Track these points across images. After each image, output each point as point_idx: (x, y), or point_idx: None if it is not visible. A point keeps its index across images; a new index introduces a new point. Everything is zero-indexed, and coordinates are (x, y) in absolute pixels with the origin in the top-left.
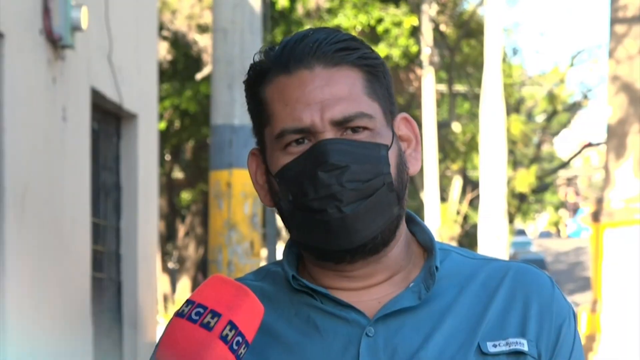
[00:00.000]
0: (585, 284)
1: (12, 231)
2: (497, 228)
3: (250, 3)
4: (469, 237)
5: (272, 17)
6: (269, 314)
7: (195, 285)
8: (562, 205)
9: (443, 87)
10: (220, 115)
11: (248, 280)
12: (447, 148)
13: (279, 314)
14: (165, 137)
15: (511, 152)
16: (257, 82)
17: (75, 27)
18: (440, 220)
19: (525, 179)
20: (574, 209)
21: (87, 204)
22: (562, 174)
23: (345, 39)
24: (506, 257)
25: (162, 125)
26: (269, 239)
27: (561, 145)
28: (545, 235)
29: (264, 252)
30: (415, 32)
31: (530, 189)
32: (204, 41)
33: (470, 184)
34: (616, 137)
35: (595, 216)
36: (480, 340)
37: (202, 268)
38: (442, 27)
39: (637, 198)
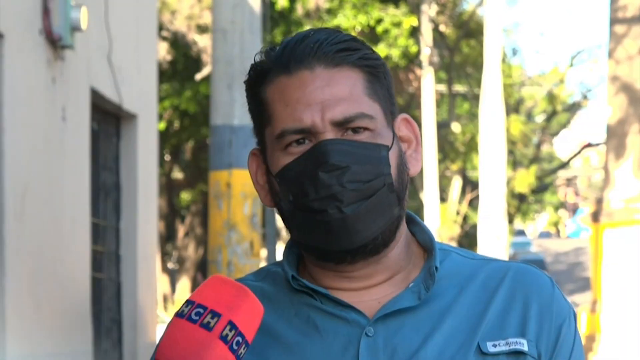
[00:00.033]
0: (585, 284)
1: (12, 231)
2: (496, 228)
3: (250, 3)
4: (468, 238)
5: (272, 17)
6: (269, 314)
7: (195, 285)
8: (561, 205)
9: (443, 88)
10: (220, 115)
11: (248, 280)
12: (447, 148)
13: (279, 314)
14: (165, 137)
15: (511, 152)
16: (258, 82)
17: (75, 27)
18: (439, 220)
19: (525, 179)
20: (574, 209)
21: (86, 204)
22: (562, 174)
23: (346, 40)
24: (506, 258)
25: (162, 125)
26: (268, 239)
27: (561, 146)
28: (544, 235)
29: (263, 253)
30: (414, 32)
31: (529, 189)
32: (203, 41)
33: (470, 184)
34: (616, 137)
35: (595, 216)
36: (480, 340)
37: (202, 268)
38: (442, 28)
39: (636, 198)
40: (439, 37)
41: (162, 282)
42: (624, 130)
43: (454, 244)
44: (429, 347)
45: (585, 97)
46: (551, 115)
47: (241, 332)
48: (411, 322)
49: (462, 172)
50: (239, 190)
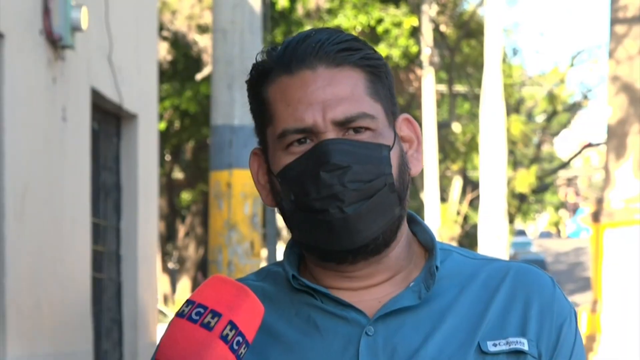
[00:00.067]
0: (585, 284)
1: (12, 231)
2: (497, 228)
3: (250, 3)
4: (469, 238)
5: (272, 17)
6: (270, 313)
7: (195, 285)
8: (562, 205)
9: (443, 88)
10: (220, 115)
11: (249, 280)
12: (447, 148)
13: (279, 314)
14: (165, 137)
15: (511, 152)
16: (260, 82)
17: (75, 28)
18: (440, 220)
19: (525, 179)
20: (574, 209)
21: (87, 204)
22: (562, 174)
23: (348, 40)
24: (506, 258)
25: (162, 125)
26: (269, 239)
27: (561, 146)
28: (545, 235)
29: (264, 253)
30: (415, 32)
31: (530, 189)
32: (203, 41)
33: (470, 184)
34: (616, 137)
35: (596, 216)
36: (480, 340)
37: (202, 268)
38: (442, 28)
39: (637, 198)
40: (439, 37)
41: (163, 282)
42: (624, 131)
43: (454, 244)
44: (429, 346)
45: (585, 97)
46: (551, 115)
47: (241, 332)
48: (411, 321)
49: (463, 172)
50: (239, 190)
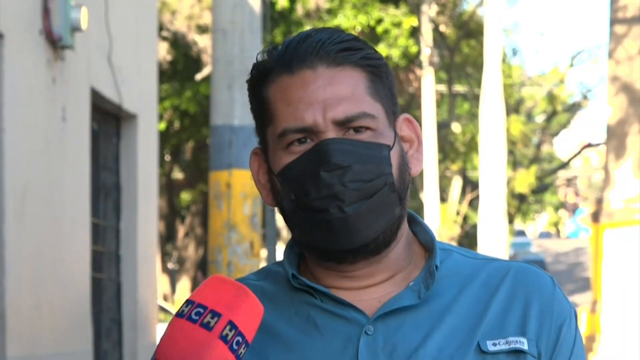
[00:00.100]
0: (585, 285)
1: (12, 231)
2: (496, 229)
3: (250, 3)
4: (468, 238)
5: (272, 17)
6: (270, 313)
7: (195, 284)
8: (561, 205)
9: (443, 88)
10: (220, 115)
11: (249, 280)
12: (447, 148)
13: (279, 313)
14: (165, 137)
15: (511, 152)
16: (260, 81)
17: (75, 28)
18: (440, 220)
19: (525, 180)
20: (574, 210)
21: (87, 204)
22: (562, 175)
23: (349, 39)
24: (506, 258)
25: (162, 125)
26: (268, 240)
27: (561, 146)
28: (545, 235)
29: (263, 253)
30: (414, 32)
31: (529, 190)
32: (203, 42)
33: (470, 185)
34: (616, 137)
35: (595, 217)
36: (480, 339)
37: (202, 267)
38: (442, 28)
39: (636, 198)
40: (439, 38)
41: (162, 282)
42: (624, 131)
43: (454, 244)
44: (428, 345)
45: (585, 97)
46: (551, 115)
47: (241, 332)
48: (411, 320)
49: (462, 172)
50: (239, 190)
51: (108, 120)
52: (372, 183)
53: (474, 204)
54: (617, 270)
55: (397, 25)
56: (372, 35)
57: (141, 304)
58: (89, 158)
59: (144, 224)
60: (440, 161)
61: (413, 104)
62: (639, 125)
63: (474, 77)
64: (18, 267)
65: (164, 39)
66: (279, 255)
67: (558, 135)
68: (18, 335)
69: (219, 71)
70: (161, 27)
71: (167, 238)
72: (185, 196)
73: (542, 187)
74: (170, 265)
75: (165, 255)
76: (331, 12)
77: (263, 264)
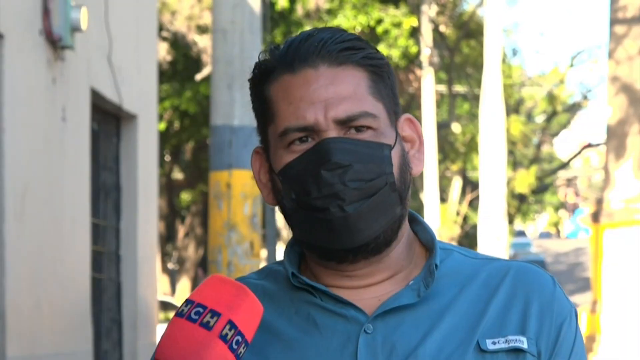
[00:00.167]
0: (585, 285)
1: (12, 231)
2: (496, 229)
3: (250, 3)
4: (468, 238)
5: (272, 17)
6: (270, 312)
7: (195, 283)
8: (562, 206)
9: (443, 88)
10: (220, 115)
11: (250, 279)
12: (447, 149)
13: (279, 312)
14: (165, 137)
15: (511, 152)
16: (262, 80)
17: (75, 28)
18: (440, 221)
19: (525, 180)
20: (574, 210)
21: (87, 204)
22: (562, 175)
23: (351, 39)
24: (506, 258)
25: (162, 125)
26: (268, 240)
27: (561, 146)
28: (545, 235)
29: (263, 253)
30: (414, 32)
31: (530, 190)
32: (203, 42)
33: (470, 185)
34: (616, 137)
35: (595, 217)
36: (479, 338)
37: (203, 267)
38: (442, 28)
39: (636, 198)
40: (439, 38)
41: (162, 282)
42: (624, 131)
43: (454, 244)
44: (427, 344)
45: (585, 97)
46: (551, 115)
47: (241, 332)
48: (410, 319)
49: (462, 173)
50: (239, 190)
51: (108, 120)
52: (373, 182)
53: (474, 204)
54: (617, 271)
55: (397, 25)
56: (372, 35)
57: (141, 304)
58: (89, 158)
59: (144, 224)
60: (440, 161)
61: (413, 104)
62: (639, 126)
63: (474, 78)
64: (18, 267)
65: (164, 39)
66: (279, 256)
67: (558, 136)
68: (18, 335)
69: (219, 71)
70: (161, 28)
71: (167, 238)
72: (185, 196)
73: (542, 188)
74: (170, 266)
75: (165, 256)
76: (331, 12)
77: (263, 264)
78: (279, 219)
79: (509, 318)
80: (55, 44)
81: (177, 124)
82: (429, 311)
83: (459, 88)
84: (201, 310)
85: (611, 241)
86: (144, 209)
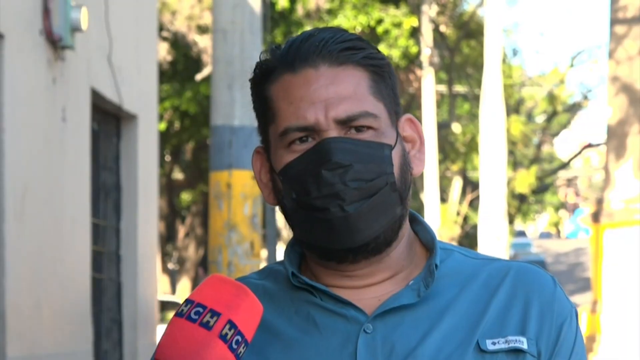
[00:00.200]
0: (585, 285)
1: (12, 231)
2: (497, 229)
3: (250, 3)
4: (469, 238)
5: (272, 17)
6: (270, 311)
7: (196, 282)
8: (562, 206)
9: (443, 88)
10: (220, 116)
11: (251, 278)
12: (447, 149)
13: (279, 312)
14: (165, 137)
15: (511, 152)
16: (263, 80)
17: (75, 28)
18: (440, 221)
19: (525, 180)
20: (574, 210)
21: (87, 204)
22: (562, 175)
23: (351, 39)
24: (506, 258)
25: (162, 126)
26: (269, 240)
27: (561, 146)
28: (545, 236)
29: (264, 253)
30: (415, 32)
31: (530, 190)
32: (203, 42)
33: (470, 185)
34: (616, 137)
35: (596, 217)
36: (479, 338)
37: (204, 266)
38: (442, 28)
39: (637, 199)
40: (439, 38)
41: (163, 282)
42: (624, 131)
43: (454, 244)
44: (427, 344)
45: (585, 97)
46: (551, 115)
47: (240, 331)
48: (410, 319)
49: (463, 173)
50: (239, 190)
51: (108, 121)
52: (373, 182)
53: (474, 205)
54: (617, 271)
55: (398, 25)
56: (372, 35)
57: (141, 304)
58: (89, 158)
59: (144, 224)
60: (441, 161)
61: (413, 105)
62: (639, 126)
63: (474, 78)
64: (18, 267)
65: (164, 39)
66: (280, 256)
67: (558, 136)
68: (18, 335)
69: (219, 71)
70: (161, 28)
71: (168, 238)
72: (186, 196)
73: (542, 188)
74: (170, 266)
75: (165, 256)
76: (331, 12)
77: (263, 265)
78: (280, 219)
79: (509, 318)
80: (56, 44)
81: (177, 124)
82: (429, 311)
83: (459, 88)
84: (201, 310)
85: (611, 241)
86: (144, 209)
